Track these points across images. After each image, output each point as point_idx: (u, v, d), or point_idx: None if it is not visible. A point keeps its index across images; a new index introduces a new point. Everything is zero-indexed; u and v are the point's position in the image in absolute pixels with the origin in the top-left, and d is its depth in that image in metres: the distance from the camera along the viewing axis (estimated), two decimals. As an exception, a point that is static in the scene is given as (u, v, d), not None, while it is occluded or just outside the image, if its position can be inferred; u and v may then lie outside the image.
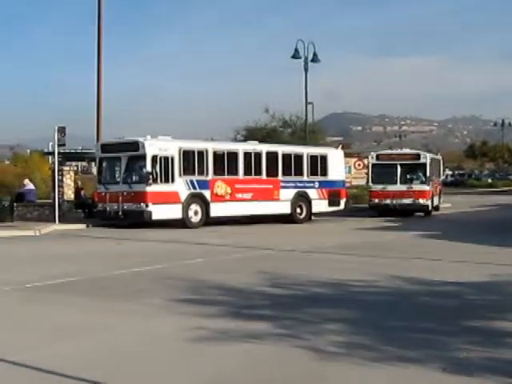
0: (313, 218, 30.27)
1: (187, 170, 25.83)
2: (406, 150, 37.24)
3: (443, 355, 6.96)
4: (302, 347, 7.27)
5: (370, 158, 34.62)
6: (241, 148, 28.58)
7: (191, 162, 26.12)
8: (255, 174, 28.06)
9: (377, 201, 32.22)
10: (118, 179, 25.85)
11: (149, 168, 24.64)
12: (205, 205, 26.16)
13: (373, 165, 33.53)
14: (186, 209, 25.52)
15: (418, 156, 33.44)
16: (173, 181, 25.30)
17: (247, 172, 27.79)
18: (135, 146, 25.21)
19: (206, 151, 26.58)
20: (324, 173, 30.62)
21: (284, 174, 29.03)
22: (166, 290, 11.07)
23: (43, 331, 8.34)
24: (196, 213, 25.94)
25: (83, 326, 8.56)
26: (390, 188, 31.92)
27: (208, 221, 26.17)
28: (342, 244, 19.30)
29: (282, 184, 28.96)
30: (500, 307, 9.72)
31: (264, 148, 29.16)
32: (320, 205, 30.31)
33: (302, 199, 29.59)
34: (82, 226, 25.86)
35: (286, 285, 11.56)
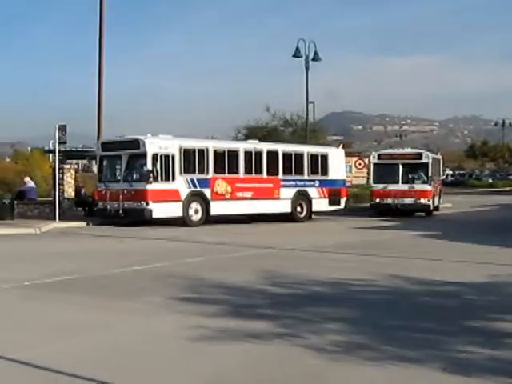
0: (313, 216, 30.28)
1: (188, 168, 25.83)
2: (408, 150, 37.15)
3: (443, 355, 6.96)
4: (302, 346, 7.27)
5: (371, 157, 34.54)
6: (241, 147, 28.59)
7: (192, 160, 26.12)
8: (256, 173, 28.07)
9: (378, 200, 32.16)
10: (119, 177, 25.86)
11: (149, 166, 24.64)
12: (205, 203, 26.17)
13: (374, 164, 33.48)
14: (186, 207, 25.53)
15: (419, 155, 33.37)
16: (173, 179, 25.30)
17: (248, 171, 27.80)
18: (136, 144, 25.21)
19: (207, 150, 26.59)
20: (324, 172, 30.64)
21: (284, 172, 29.03)
22: (167, 288, 11.08)
23: (43, 329, 8.35)
24: (196, 211, 25.95)
25: (83, 324, 8.56)
26: (392, 187, 31.87)
27: (208, 219, 26.18)
28: (342, 243, 19.31)
29: (283, 183, 28.97)
30: (500, 307, 9.71)
31: (264, 147, 29.17)
32: (320, 204, 30.33)
33: (302, 198, 29.60)
34: (83, 224, 25.87)
35: (286, 283, 11.56)
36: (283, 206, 28.76)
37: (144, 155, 24.79)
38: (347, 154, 36.31)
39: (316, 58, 36.34)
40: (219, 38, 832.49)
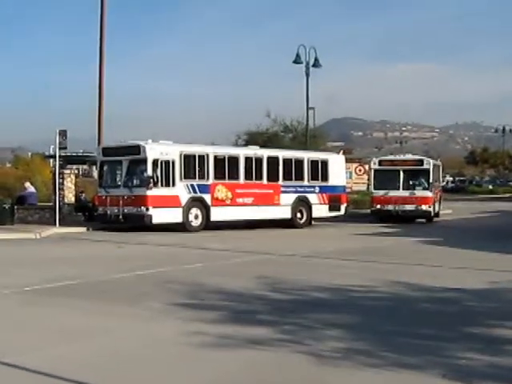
0: (313, 222, 30.27)
1: (188, 174, 25.85)
2: (409, 156, 37.08)
3: (443, 361, 6.96)
4: (302, 352, 7.26)
5: (372, 163, 34.46)
6: (242, 153, 28.59)
7: (192, 166, 26.14)
8: (256, 179, 28.07)
9: (379, 206, 32.06)
10: (119, 183, 25.87)
11: (150, 172, 24.66)
12: (205, 209, 26.18)
13: (375, 170, 33.40)
14: (186, 213, 25.53)
15: (421, 162, 33.32)
16: (173, 185, 25.31)
17: (248, 176, 27.80)
18: (136, 149, 25.23)
19: (207, 155, 26.61)
20: (325, 178, 30.63)
21: (285, 178, 29.04)
22: (166, 294, 11.07)
23: (43, 334, 8.34)
24: (196, 217, 25.96)
25: (84, 329, 8.56)
26: (392, 194, 31.79)
27: (208, 225, 26.18)
28: (343, 249, 19.30)
29: (283, 189, 28.97)
30: (500, 314, 9.71)
31: (265, 153, 29.18)
32: (320, 210, 30.31)
33: (302, 204, 29.59)
34: (83, 230, 25.86)
35: (286, 290, 11.55)
36: (283, 211, 28.75)
37: (144, 161, 24.81)
38: (347, 160, 36.30)
39: (316, 64, 36.37)
40: (219, 41, 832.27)
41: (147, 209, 24.61)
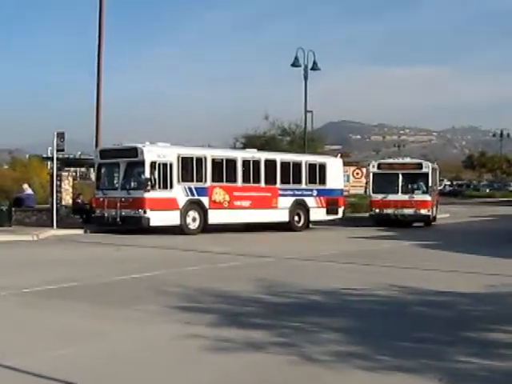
0: (311, 226, 30.28)
1: (186, 176, 25.86)
2: (408, 160, 36.82)
3: (439, 365, 6.98)
4: (299, 356, 7.27)
5: (370, 166, 34.26)
6: (239, 156, 28.61)
7: (190, 168, 26.16)
8: (253, 182, 28.09)
9: (378, 210, 31.91)
10: (117, 185, 25.88)
11: (147, 174, 24.67)
12: (203, 212, 26.19)
13: (374, 174, 33.20)
14: (184, 215, 25.54)
15: (420, 165, 33.20)
16: (171, 187, 25.32)
17: (246, 179, 27.82)
18: (134, 152, 25.24)
19: (205, 158, 26.62)
20: (322, 181, 30.65)
21: (282, 182, 29.06)
22: (163, 296, 11.08)
23: (41, 336, 8.35)
24: (194, 220, 25.97)
25: (81, 331, 8.57)
26: (391, 197, 31.68)
27: (206, 228, 26.18)
28: (340, 253, 19.30)
29: (281, 192, 28.98)
30: (495, 317, 9.73)
31: (262, 156, 29.19)
32: (318, 213, 30.33)
33: (300, 207, 29.62)
34: (80, 232, 25.85)
35: (283, 293, 11.57)
36: (281, 215, 28.77)
37: (142, 163, 24.82)
38: (345, 164, 36.35)
39: (315, 67, 36.39)
40: (219, 42, 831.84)
41: (145, 211, 24.62)
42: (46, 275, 13.66)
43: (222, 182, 27.03)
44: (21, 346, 7.82)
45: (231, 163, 27.52)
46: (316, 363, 7.01)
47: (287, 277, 13.75)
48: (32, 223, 28.01)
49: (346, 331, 8.61)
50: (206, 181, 26.45)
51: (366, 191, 39.86)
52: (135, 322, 9.16)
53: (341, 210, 31.49)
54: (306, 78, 36.30)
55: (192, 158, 26.29)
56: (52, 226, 26.00)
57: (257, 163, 28.32)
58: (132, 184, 25.55)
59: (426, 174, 32.35)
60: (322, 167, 30.92)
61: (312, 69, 36.38)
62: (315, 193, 30.24)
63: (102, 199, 25.88)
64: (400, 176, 32.12)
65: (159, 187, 24.88)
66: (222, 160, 27.43)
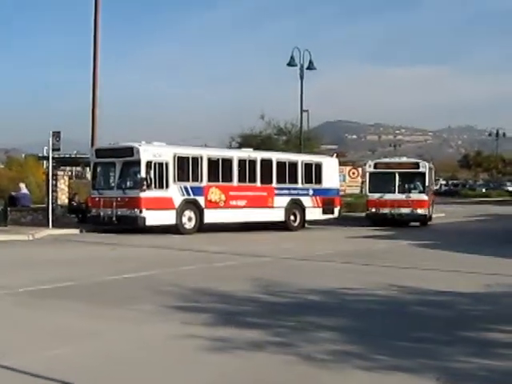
0: (306, 225, 30.26)
1: (181, 176, 25.81)
2: (405, 159, 36.76)
3: (437, 365, 6.95)
4: (296, 355, 7.24)
5: (367, 166, 34.18)
6: (235, 155, 28.57)
7: (186, 168, 26.11)
8: (249, 181, 28.05)
9: (374, 210, 31.85)
10: (112, 184, 25.82)
11: (143, 174, 24.62)
12: (199, 211, 26.14)
13: (370, 173, 33.11)
14: (179, 215, 25.49)
15: (416, 165, 33.17)
16: (167, 187, 25.27)
17: (241, 179, 27.77)
18: (130, 151, 25.18)
19: (201, 158, 26.57)
20: (318, 181, 30.63)
21: (278, 181, 29.02)
22: (159, 296, 11.04)
23: (36, 336, 8.30)
24: (190, 219, 25.92)
25: (77, 331, 8.52)
26: (388, 197, 31.61)
27: (202, 227, 26.14)
28: (336, 252, 19.28)
29: (276, 191, 28.95)
30: (494, 317, 9.71)
31: (258, 155, 29.15)
32: (314, 213, 30.31)
33: (296, 207, 29.59)
34: (76, 231, 25.78)
35: (279, 292, 11.53)
36: (277, 214, 28.74)
37: (138, 162, 24.77)
38: (341, 163, 36.30)
39: (311, 66, 36.38)
40: (218, 41, 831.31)
41: (140, 211, 24.56)
42: (42, 275, 13.61)
43: (218, 181, 26.99)
44: (16, 346, 7.77)
45: (227, 163, 27.47)
46: (313, 363, 6.98)
47: (284, 276, 13.72)
48: (27, 223, 27.92)
49: (343, 331, 8.58)
50: (201, 180, 26.40)
51: (361, 191, 39.81)
52: (131, 321, 9.12)
53: (337, 210, 31.48)
54: (301, 78, 36.30)
55: (188, 158, 26.23)
56: (48, 225, 25.93)
57: (253, 163, 28.28)
58: (128, 183, 25.48)
59: (423, 174, 32.32)
60: (318, 167, 30.89)
61: (308, 68, 36.39)
62: (311, 192, 30.22)
63: (97, 198, 25.81)
64: (397, 175, 32.06)
65: (155, 187, 24.81)
66: (218, 159, 27.39)
